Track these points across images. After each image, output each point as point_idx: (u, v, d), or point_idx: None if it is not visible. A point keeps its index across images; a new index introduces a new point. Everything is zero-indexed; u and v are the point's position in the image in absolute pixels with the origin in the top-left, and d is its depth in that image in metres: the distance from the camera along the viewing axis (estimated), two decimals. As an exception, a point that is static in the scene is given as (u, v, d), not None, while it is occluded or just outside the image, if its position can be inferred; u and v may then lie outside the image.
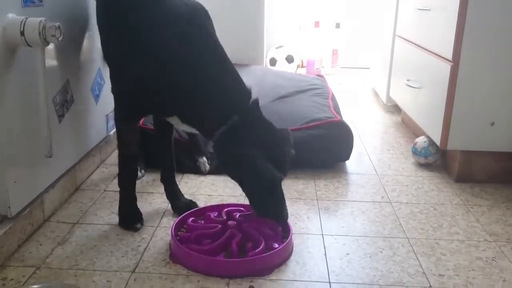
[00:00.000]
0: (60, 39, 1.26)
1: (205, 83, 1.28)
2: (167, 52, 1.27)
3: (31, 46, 1.24)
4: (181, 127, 1.40)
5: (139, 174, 1.76)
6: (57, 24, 1.24)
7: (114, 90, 1.42)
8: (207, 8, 1.36)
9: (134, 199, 1.49)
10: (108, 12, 1.42)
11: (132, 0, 1.35)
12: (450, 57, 1.74)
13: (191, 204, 1.57)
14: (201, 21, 1.32)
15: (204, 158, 1.79)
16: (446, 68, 1.76)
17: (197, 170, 1.81)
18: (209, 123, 1.30)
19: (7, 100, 1.25)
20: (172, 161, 1.57)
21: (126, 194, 1.47)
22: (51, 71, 1.46)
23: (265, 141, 1.28)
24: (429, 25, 2.02)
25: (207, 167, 1.78)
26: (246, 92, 1.32)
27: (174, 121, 1.38)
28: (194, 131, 1.37)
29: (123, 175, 1.47)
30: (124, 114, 1.41)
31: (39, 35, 1.22)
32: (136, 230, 1.44)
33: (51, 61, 1.47)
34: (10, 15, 1.23)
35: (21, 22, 1.22)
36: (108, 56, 1.48)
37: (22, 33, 1.22)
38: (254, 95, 1.33)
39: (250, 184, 1.31)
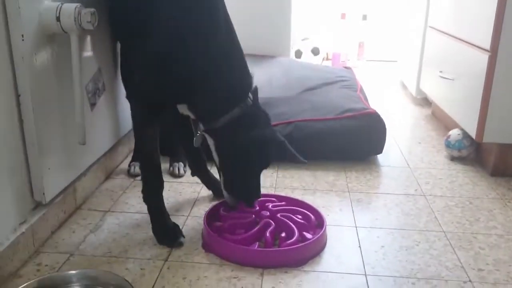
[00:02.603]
0: (95, 25, 1.25)
1: (214, 66, 1.23)
2: (180, 26, 1.21)
3: (66, 33, 1.23)
4: (186, 113, 1.34)
5: (182, 171, 1.75)
6: (92, 10, 1.23)
7: (135, 85, 1.34)
8: (234, 3, 1.31)
9: (166, 213, 1.37)
10: None
11: None
12: (488, 47, 1.68)
13: None
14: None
15: (180, 163, 1.77)
16: (484, 58, 1.71)
17: (171, 173, 1.75)
18: (211, 108, 1.27)
19: (42, 87, 1.25)
20: (200, 153, 1.53)
21: (157, 210, 1.36)
22: (84, 59, 1.45)
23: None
24: (465, 14, 1.96)
25: (182, 171, 1.75)
26: (249, 81, 1.30)
27: (183, 108, 1.33)
28: (191, 115, 1.33)
29: (148, 190, 1.36)
30: (145, 111, 1.32)
31: (75, 21, 1.21)
32: (181, 245, 1.31)
33: (84, 49, 1.47)
34: (46, 1, 1.22)
35: (57, 8, 1.21)
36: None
37: (57, 19, 1.21)
38: (255, 82, 1.32)
39: (238, 168, 1.32)
